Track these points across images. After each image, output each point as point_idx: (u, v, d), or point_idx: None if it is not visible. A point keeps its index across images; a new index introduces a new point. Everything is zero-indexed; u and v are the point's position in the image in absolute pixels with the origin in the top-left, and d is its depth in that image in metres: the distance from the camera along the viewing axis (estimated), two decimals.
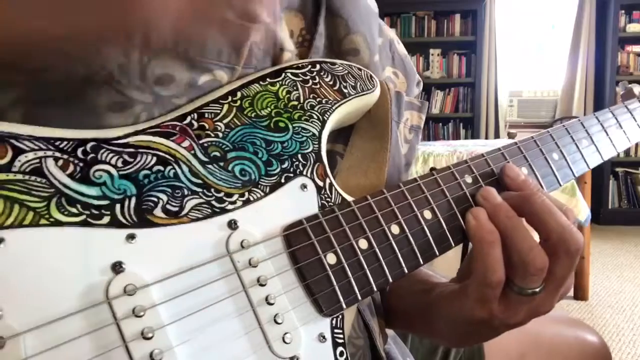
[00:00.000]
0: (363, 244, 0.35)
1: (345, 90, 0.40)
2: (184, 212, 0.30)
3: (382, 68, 0.49)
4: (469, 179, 0.42)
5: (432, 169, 0.42)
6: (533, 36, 4.38)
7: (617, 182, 3.97)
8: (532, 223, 0.37)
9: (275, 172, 0.34)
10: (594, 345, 0.65)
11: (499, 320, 0.37)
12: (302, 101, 0.38)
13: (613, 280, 2.47)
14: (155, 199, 0.29)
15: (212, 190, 0.31)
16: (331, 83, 0.40)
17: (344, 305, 0.33)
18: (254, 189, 0.33)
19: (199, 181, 0.31)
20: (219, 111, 0.34)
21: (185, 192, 0.30)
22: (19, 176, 0.26)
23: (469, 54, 4.22)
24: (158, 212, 0.29)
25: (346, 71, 0.41)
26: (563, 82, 4.12)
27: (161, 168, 0.30)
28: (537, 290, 0.36)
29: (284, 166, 0.35)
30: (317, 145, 0.37)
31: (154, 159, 0.30)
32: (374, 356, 0.44)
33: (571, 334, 0.66)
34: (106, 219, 0.27)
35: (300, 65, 0.39)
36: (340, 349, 0.33)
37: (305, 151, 0.36)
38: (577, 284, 2.17)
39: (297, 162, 0.35)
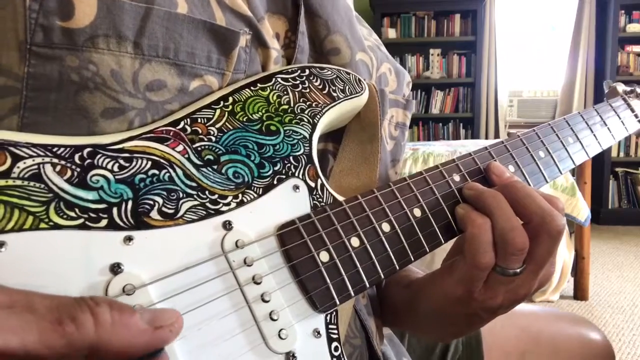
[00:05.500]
0: (355, 241, 0.36)
1: (335, 94, 0.42)
2: (179, 214, 0.31)
3: (379, 64, 0.51)
4: (457, 177, 0.43)
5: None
6: (533, 36, 4.41)
7: (617, 182, 3.99)
8: (515, 209, 0.38)
9: (268, 174, 0.35)
10: (597, 343, 0.64)
11: (477, 303, 0.38)
12: (292, 105, 0.39)
13: (613, 280, 2.48)
14: (152, 202, 0.30)
15: (207, 192, 0.32)
16: (320, 87, 0.41)
17: (338, 302, 0.34)
18: (248, 190, 0.34)
19: (194, 184, 0.32)
20: (211, 116, 0.35)
21: (180, 194, 0.31)
22: (18, 182, 0.27)
23: (469, 54, 4.23)
24: (154, 214, 0.30)
25: (335, 75, 0.42)
26: (563, 82, 4.14)
27: (156, 172, 0.31)
28: (518, 271, 0.37)
29: (276, 168, 0.36)
30: (308, 148, 0.38)
31: (149, 163, 0.31)
32: (371, 356, 0.44)
33: (573, 331, 0.65)
34: (104, 222, 0.28)
35: (290, 70, 0.40)
36: (335, 344, 0.33)
37: (297, 153, 0.37)
38: (577, 284, 2.18)
39: (289, 164, 0.36)
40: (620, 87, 0.67)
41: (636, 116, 0.63)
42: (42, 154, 0.28)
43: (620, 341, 1.81)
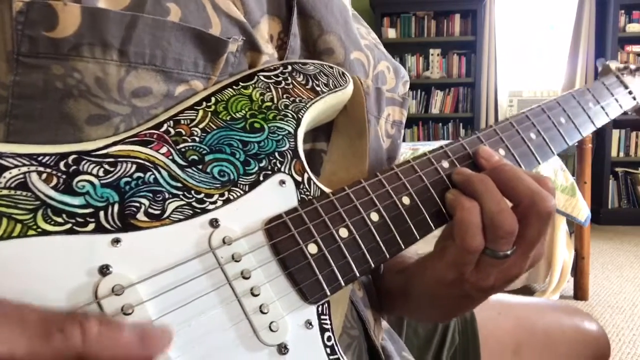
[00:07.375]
0: (343, 232, 0.36)
1: (318, 89, 0.42)
2: (166, 215, 0.31)
3: (376, 62, 0.51)
4: (445, 164, 0.43)
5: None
6: (533, 36, 4.39)
7: (617, 182, 3.96)
8: (504, 192, 0.38)
9: (254, 170, 0.36)
10: (592, 333, 0.65)
11: (470, 284, 0.38)
12: (275, 101, 0.39)
13: (613, 280, 2.45)
14: (138, 204, 0.31)
15: (192, 192, 0.33)
16: (304, 82, 0.41)
17: (328, 292, 0.34)
18: (234, 188, 0.34)
19: (179, 184, 0.33)
20: (194, 117, 0.35)
21: (166, 195, 0.32)
22: (5, 192, 0.27)
23: (469, 54, 4.22)
24: (141, 216, 0.31)
25: (318, 70, 0.43)
26: (563, 81, 4.12)
27: (141, 174, 0.32)
28: (509, 253, 0.37)
29: (261, 165, 0.36)
30: (293, 143, 0.38)
31: (134, 166, 0.32)
32: (369, 346, 0.45)
33: (568, 322, 0.65)
34: (91, 226, 0.29)
35: (272, 67, 0.41)
36: (327, 334, 0.34)
37: (282, 149, 0.38)
38: (577, 284, 2.16)
39: (274, 160, 0.37)
40: (614, 65, 0.67)
41: (630, 93, 0.62)
42: (27, 163, 0.29)
43: (620, 341, 1.79)
